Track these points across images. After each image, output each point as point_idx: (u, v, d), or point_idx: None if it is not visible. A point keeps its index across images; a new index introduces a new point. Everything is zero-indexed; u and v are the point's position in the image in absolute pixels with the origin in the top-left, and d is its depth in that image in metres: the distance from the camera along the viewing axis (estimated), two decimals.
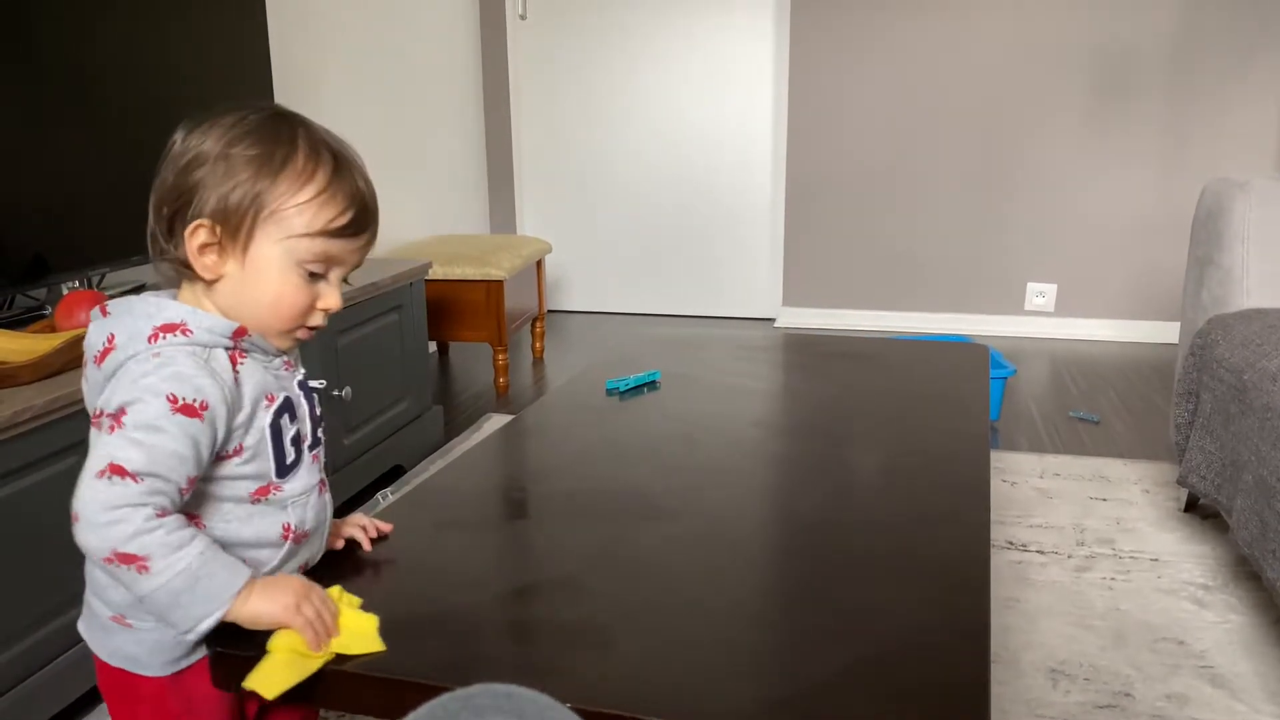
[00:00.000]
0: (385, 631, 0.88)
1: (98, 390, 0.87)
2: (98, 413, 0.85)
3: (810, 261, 4.07)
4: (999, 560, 1.97)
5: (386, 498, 2.25)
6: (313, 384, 1.01)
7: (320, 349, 2.08)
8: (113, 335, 0.86)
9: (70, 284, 1.85)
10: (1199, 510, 2.17)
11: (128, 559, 0.80)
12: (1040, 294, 3.89)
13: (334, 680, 0.86)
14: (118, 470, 0.80)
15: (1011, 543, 2.04)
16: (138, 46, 1.98)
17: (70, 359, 1.52)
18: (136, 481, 0.80)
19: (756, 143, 4.06)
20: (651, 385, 1.71)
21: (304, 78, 2.87)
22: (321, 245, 0.89)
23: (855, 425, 1.53)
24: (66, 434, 1.46)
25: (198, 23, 2.14)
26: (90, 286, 1.93)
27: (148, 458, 0.81)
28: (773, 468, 1.38)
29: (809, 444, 1.46)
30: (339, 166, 0.90)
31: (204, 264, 0.88)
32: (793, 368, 1.92)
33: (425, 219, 3.72)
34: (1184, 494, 2.19)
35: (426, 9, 3.67)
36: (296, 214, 0.87)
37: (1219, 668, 1.61)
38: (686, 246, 4.20)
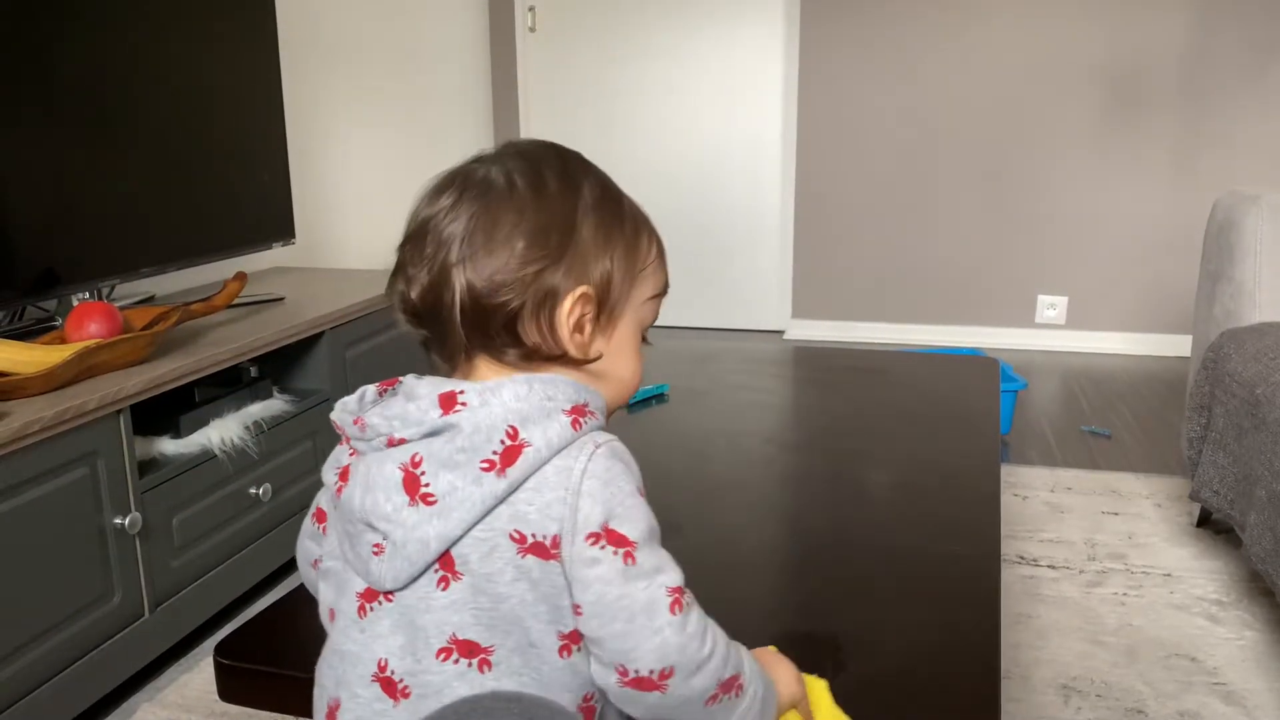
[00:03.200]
0: None
1: (481, 505, 0.64)
2: (550, 540, 0.64)
3: (820, 273, 4.06)
4: (1010, 575, 1.95)
5: None
6: None
7: (329, 361, 2.08)
8: (515, 429, 0.65)
9: (80, 295, 1.86)
10: (1212, 525, 2.16)
11: (729, 684, 0.67)
12: (1051, 306, 3.88)
13: None
14: (678, 590, 0.65)
15: (1022, 558, 2.03)
16: (148, 61, 1.99)
17: (80, 370, 1.52)
18: (686, 592, 0.66)
19: (766, 154, 4.06)
20: (660, 398, 1.71)
21: (314, 90, 2.88)
22: (656, 309, 0.77)
23: (865, 440, 1.52)
24: (76, 446, 1.46)
25: (208, 36, 2.15)
26: (100, 298, 1.93)
27: (674, 562, 0.67)
28: (781, 483, 1.38)
29: (818, 459, 1.45)
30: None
31: (579, 343, 0.71)
32: (802, 381, 1.92)
33: None
34: (1196, 509, 2.17)
35: (436, 21, 3.69)
36: (652, 274, 0.75)
37: (1232, 684, 1.59)
38: (695, 258, 4.20)
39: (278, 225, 2.40)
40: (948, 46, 3.75)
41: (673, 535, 1.13)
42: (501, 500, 0.64)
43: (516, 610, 0.64)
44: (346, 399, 0.73)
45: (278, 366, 2.06)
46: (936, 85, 3.79)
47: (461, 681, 0.65)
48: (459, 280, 0.68)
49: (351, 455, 0.70)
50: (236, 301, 2.09)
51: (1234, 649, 1.69)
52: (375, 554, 0.66)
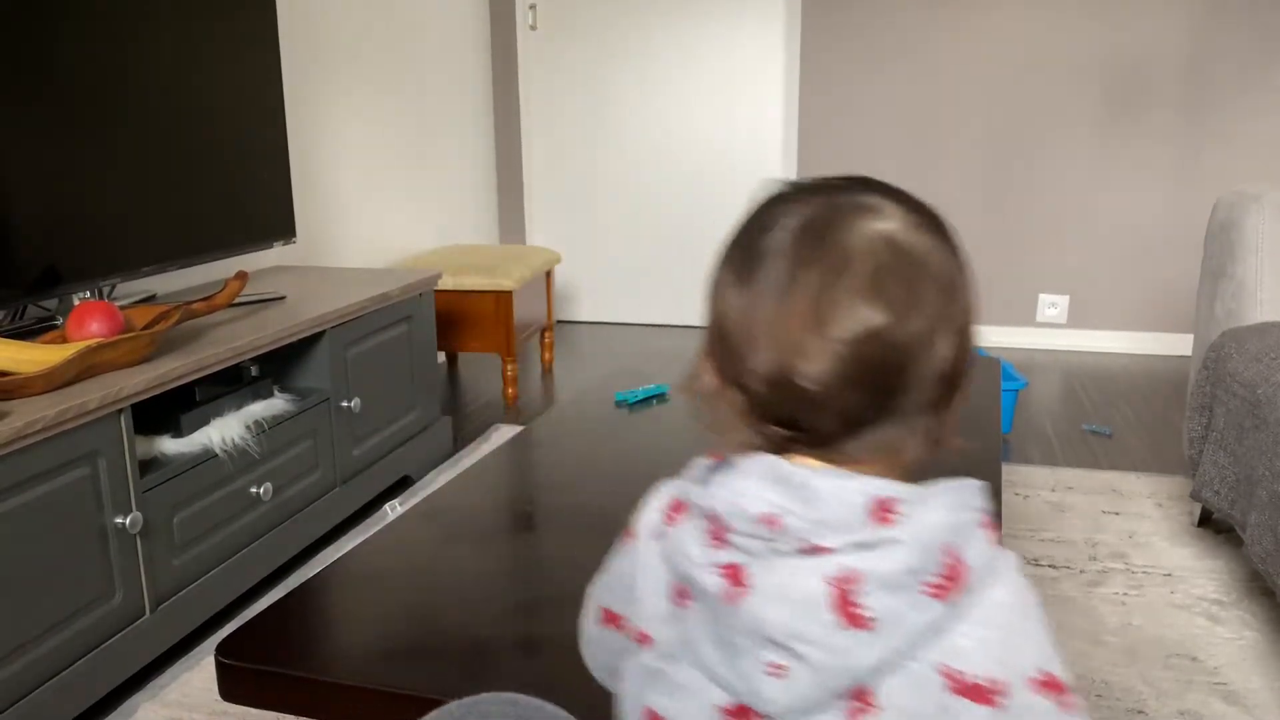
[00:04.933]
0: (391, 646, 0.88)
1: (919, 634, 0.55)
2: (992, 683, 0.55)
3: None
4: None
5: (395, 509, 2.25)
6: None
7: (330, 359, 2.08)
8: (953, 547, 0.56)
9: (81, 294, 1.86)
10: (1212, 525, 2.16)
11: None
12: (1053, 305, 3.88)
13: (341, 693, 0.86)
14: None
15: (1023, 557, 2.03)
16: (149, 61, 1.99)
17: (81, 370, 1.52)
18: None
19: (766, 152, 4.06)
20: (660, 398, 1.71)
21: (315, 89, 2.88)
22: None
23: None
24: (77, 445, 1.46)
25: (209, 37, 2.15)
26: (101, 297, 1.93)
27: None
28: None
29: None
30: None
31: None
32: None
33: (435, 229, 3.72)
34: (1197, 508, 2.17)
35: (436, 20, 3.69)
36: None
37: (1233, 684, 1.59)
38: (696, 257, 4.19)
39: (278, 224, 2.40)
40: (948, 44, 3.75)
41: None
42: (938, 630, 0.56)
43: None
44: (686, 480, 0.63)
45: (278, 365, 2.06)
46: (937, 83, 3.79)
47: None
48: (924, 356, 0.58)
49: (718, 546, 0.60)
50: (237, 300, 2.09)
51: (1234, 649, 1.69)
52: (771, 674, 0.57)
